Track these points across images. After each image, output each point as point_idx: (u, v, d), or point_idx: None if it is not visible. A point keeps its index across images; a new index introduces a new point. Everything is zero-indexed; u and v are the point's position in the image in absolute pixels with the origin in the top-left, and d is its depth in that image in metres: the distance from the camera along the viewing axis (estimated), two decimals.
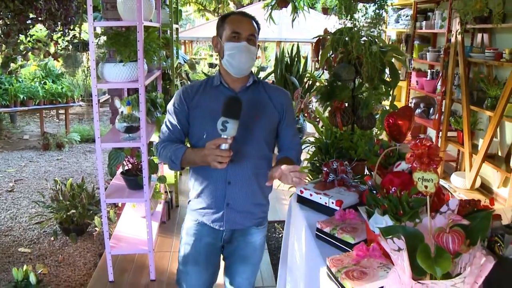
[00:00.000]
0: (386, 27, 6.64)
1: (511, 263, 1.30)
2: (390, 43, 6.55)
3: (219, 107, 1.68)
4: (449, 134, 4.91)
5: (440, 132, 4.99)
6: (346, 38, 2.56)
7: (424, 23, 5.49)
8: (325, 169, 2.27)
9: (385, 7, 2.40)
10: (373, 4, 2.41)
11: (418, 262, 1.15)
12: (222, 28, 1.84)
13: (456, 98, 4.70)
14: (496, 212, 1.55)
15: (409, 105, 5.89)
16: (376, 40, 2.61)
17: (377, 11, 2.34)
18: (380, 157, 1.98)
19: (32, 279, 2.47)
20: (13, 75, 7.58)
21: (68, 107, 7.85)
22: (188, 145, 1.95)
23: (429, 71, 5.51)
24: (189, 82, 4.74)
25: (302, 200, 2.21)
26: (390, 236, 1.18)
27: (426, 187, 1.27)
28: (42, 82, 7.83)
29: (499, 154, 4.31)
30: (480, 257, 1.10)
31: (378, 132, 3.15)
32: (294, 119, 2.06)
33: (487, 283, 1.38)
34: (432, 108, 5.51)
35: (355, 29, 2.56)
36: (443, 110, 4.92)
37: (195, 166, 1.89)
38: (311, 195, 2.14)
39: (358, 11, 2.45)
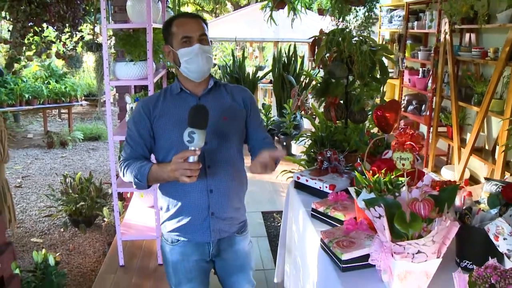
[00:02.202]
0: (380, 27, 6.87)
1: (477, 230, 1.52)
2: (384, 42, 6.77)
3: (184, 116, 1.61)
4: (440, 129, 5.14)
5: (431, 128, 5.22)
6: (340, 39, 2.78)
7: (415, 23, 5.72)
8: (320, 157, 2.50)
9: (374, 9, 2.62)
10: (363, 6, 2.62)
11: (395, 226, 1.37)
12: (170, 35, 1.76)
13: (446, 95, 4.93)
14: (469, 190, 1.78)
15: (402, 102, 6.12)
16: (367, 40, 2.83)
17: (367, 13, 2.55)
18: (369, 146, 2.20)
19: (51, 261, 2.68)
20: (17, 75, 7.80)
21: (71, 106, 8.06)
22: (155, 161, 1.84)
23: (420, 69, 5.73)
24: None
25: (298, 186, 2.43)
26: (373, 205, 1.40)
27: (403, 164, 1.49)
28: (46, 82, 8.05)
29: (486, 147, 4.54)
30: (446, 221, 1.32)
31: (370, 126, 3.38)
32: (260, 115, 2.02)
33: (460, 249, 1.62)
34: (424, 105, 5.74)
35: (347, 30, 2.78)
36: (434, 106, 5.15)
37: (163, 182, 1.79)
38: (307, 180, 2.36)
39: (350, 14, 2.66)
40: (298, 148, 5.72)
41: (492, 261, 1.25)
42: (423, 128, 5.64)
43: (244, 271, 2.00)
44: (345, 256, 1.60)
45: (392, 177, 1.77)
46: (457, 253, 1.66)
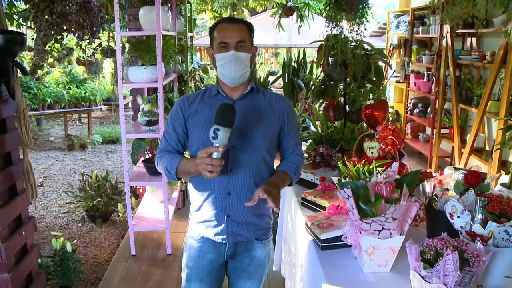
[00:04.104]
0: (388, 33, 7.03)
1: (440, 213, 1.70)
2: (392, 47, 6.93)
3: None
4: (443, 131, 5.28)
5: (435, 130, 5.36)
6: (338, 42, 2.97)
7: (420, 28, 5.87)
8: (313, 153, 2.71)
9: (366, 16, 2.81)
10: (354, 13, 2.81)
11: (362, 206, 1.57)
12: (212, 39, 1.81)
13: (448, 98, 5.07)
14: (439, 179, 1.97)
15: (408, 105, 6.26)
16: (363, 44, 3.02)
17: (358, 19, 2.75)
18: (357, 141, 2.39)
19: (69, 248, 2.93)
20: (40, 81, 8.18)
21: (91, 110, 8.41)
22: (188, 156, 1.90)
23: (425, 73, 5.88)
24: (202, 85, 5.20)
25: None
26: (342, 187, 1.60)
27: (372, 152, 1.69)
28: (67, 87, 8.42)
29: (487, 148, 4.67)
30: (405, 199, 1.51)
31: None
32: (297, 128, 2.00)
33: (429, 230, 1.81)
34: (429, 108, 5.88)
35: (343, 36, 2.97)
36: (437, 109, 5.30)
37: (190, 175, 1.84)
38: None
39: (342, 20, 2.86)
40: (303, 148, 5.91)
41: (443, 235, 1.44)
42: (428, 130, 5.78)
43: (253, 279, 1.98)
44: (323, 236, 1.80)
45: (370, 167, 1.96)
46: (427, 234, 1.85)
